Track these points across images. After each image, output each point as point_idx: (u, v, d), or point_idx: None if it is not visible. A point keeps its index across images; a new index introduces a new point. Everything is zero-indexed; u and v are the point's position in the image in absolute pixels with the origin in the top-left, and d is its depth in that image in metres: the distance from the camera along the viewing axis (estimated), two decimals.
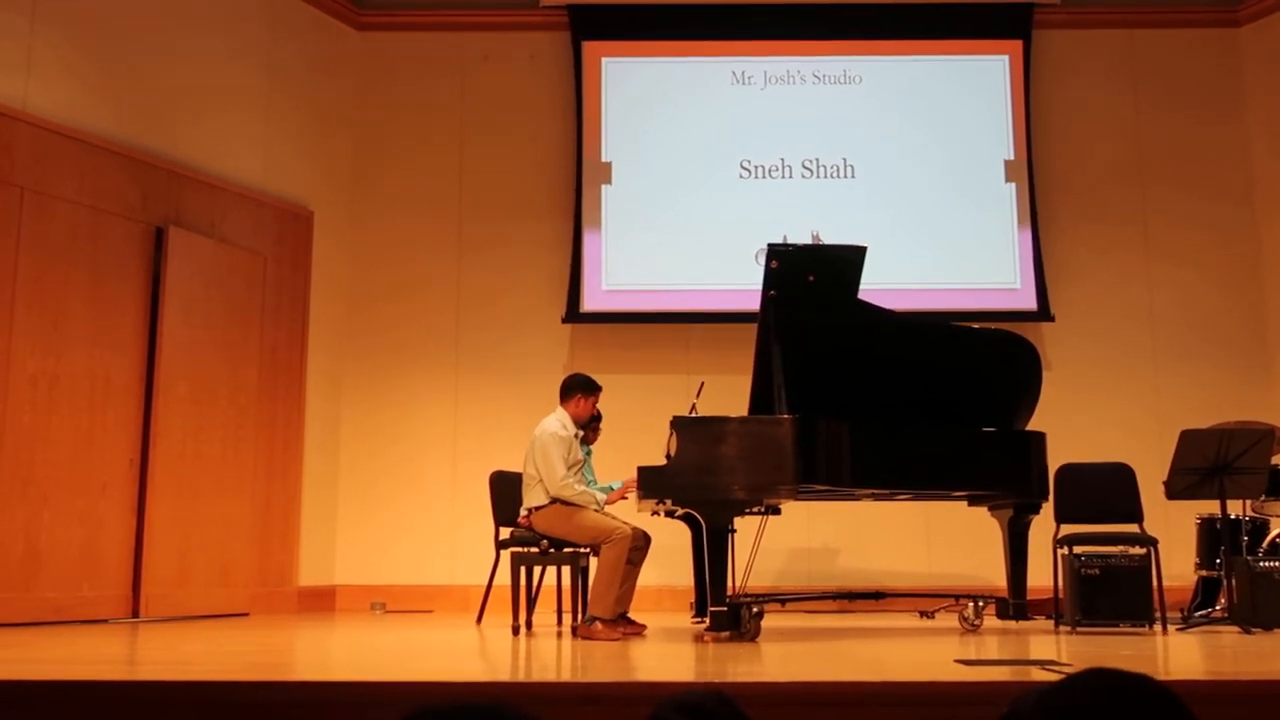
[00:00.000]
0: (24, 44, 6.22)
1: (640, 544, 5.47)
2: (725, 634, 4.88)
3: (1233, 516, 5.86)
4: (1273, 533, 6.04)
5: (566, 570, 5.90)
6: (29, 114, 6.18)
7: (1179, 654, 4.43)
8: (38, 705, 3.00)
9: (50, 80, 6.35)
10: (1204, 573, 6.22)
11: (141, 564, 6.49)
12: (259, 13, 7.76)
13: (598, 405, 5.94)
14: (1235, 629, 5.35)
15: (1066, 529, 5.75)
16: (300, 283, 7.84)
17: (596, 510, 5.49)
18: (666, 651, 4.67)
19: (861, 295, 5.48)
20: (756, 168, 8.34)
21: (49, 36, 6.36)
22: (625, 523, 5.42)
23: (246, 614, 7.04)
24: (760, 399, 5.34)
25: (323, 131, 8.20)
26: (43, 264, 6.15)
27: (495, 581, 6.22)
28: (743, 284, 7.52)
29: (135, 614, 6.43)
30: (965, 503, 6.19)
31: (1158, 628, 5.37)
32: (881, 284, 6.83)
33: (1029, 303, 8.11)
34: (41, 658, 4.19)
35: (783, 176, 8.34)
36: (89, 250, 6.40)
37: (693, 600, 6.24)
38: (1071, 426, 7.03)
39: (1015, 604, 5.95)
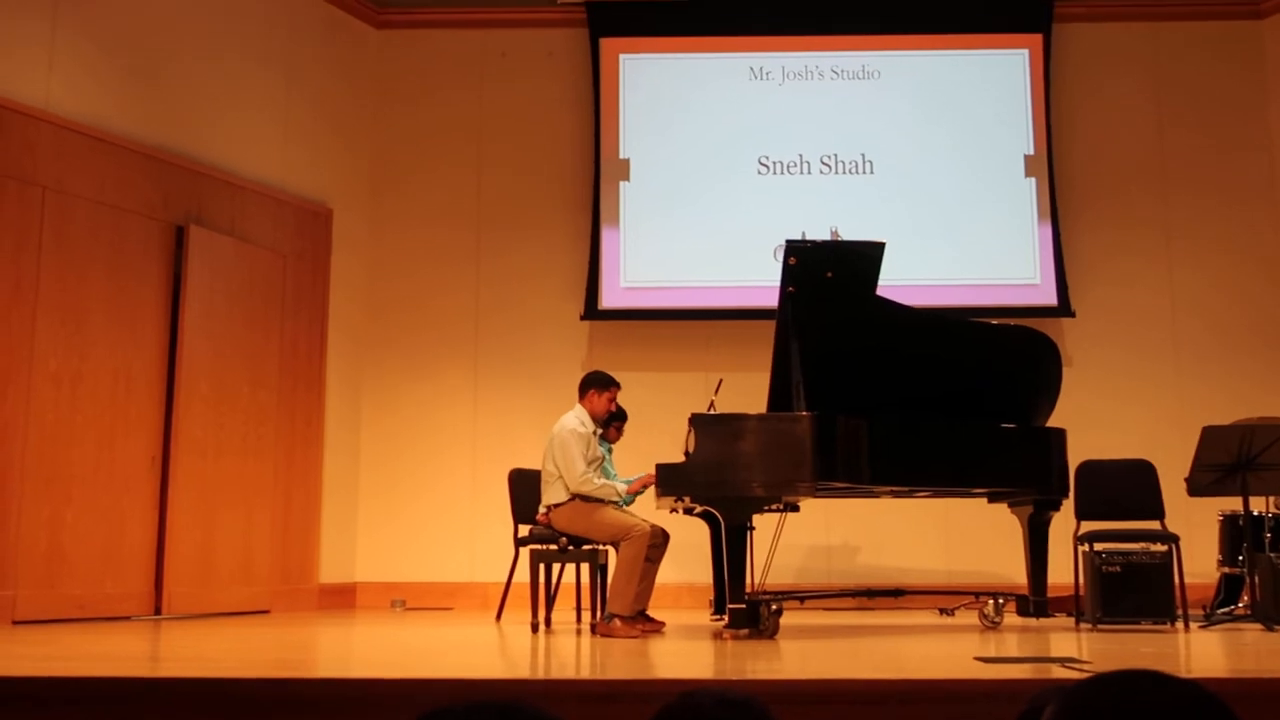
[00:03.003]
0: (45, 45, 6.26)
1: (659, 541, 5.47)
2: (744, 631, 4.87)
3: (1256, 513, 5.82)
4: None
5: (585, 567, 5.91)
6: (51, 114, 6.22)
7: (1201, 651, 4.41)
8: (62, 702, 3.02)
9: (72, 80, 6.39)
10: (1227, 570, 6.18)
11: (164, 561, 6.54)
12: (279, 12, 7.78)
13: (619, 403, 5.94)
14: (1258, 626, 5.32)
15: (1087, 526, 5.72)
16: (320, 282, 7.86)
17: (618, 501, 5.49)
18: (685, 649, 4.67)
19: (881, 291, 5.46)
20: (775, 164, 8.32)
21: (70, 37, 6.40)
22: (644, 520, 5.42)
23: (268, 611, 7.08)
24: (779, 396, 5.33)
25: (341, 130, 8.23)
26: (65, 263, 6.19)
27: (514, 579, 6.23)
28: (761, 281, 7.50)
29: (158, 611, 6.47)
30: (985, 499, 6.17)
31: (1179, 625, 5.34)
32: (901, 280, 6.81)
33: (1049, 298, 8.07)
34: (66, 654, 4.23)
35: (801, 172, 8.31)
36: (110, 249, 6.44)
37: (711, 598, 6.22)
38: (1092, 423, 6.99)
39: (1035, 601, 5.91)
